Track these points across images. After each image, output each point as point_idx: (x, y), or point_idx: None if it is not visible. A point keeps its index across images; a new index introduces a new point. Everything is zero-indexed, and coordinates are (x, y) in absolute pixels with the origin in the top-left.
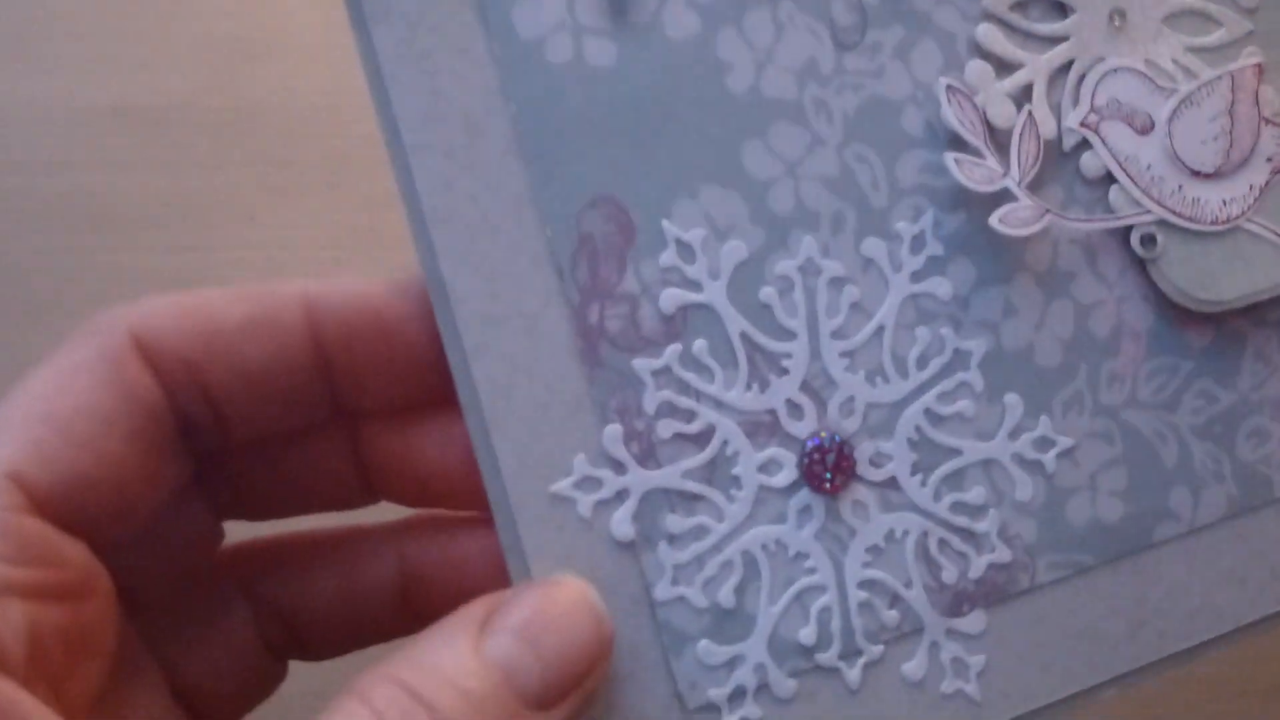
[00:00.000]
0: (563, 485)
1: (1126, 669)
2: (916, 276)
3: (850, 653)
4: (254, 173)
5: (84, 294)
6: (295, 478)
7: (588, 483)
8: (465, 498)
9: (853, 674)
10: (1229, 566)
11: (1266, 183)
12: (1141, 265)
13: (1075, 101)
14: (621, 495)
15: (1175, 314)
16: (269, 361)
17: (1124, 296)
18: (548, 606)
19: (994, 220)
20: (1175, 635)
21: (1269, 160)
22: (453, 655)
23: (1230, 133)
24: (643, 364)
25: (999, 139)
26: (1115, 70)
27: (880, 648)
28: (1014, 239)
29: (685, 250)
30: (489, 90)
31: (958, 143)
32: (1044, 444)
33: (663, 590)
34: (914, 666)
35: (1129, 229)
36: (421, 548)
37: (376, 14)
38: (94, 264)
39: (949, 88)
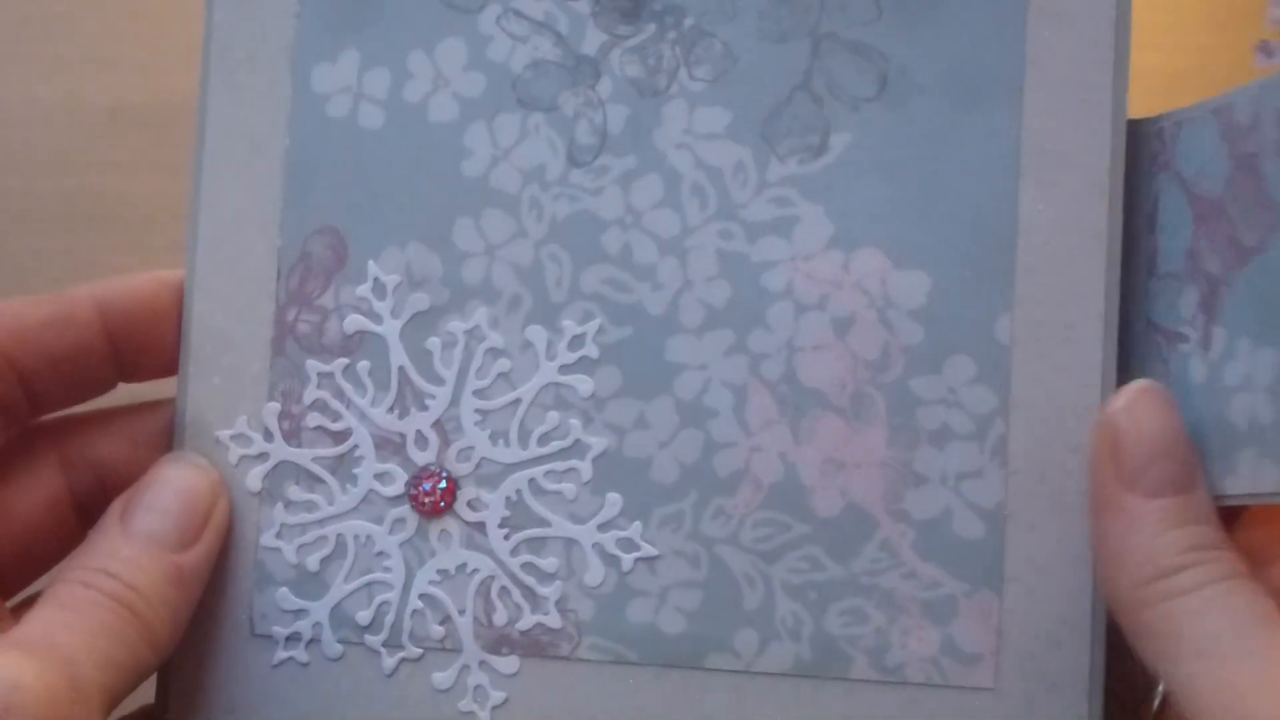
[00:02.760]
0: (224, 434)
1: None
2: (565, 369)
3: (393, 644)
4: None
5: None
6: None
7: (241, 438)
8: None
9: (389, 661)
10: (773, 715)
11: None
12: (789, 425)
13: None
14: (263, 456)
15: (811, 481)
16: (70, 350)
17: (758, 448)
18: (157, 477)
19: None
20: None
21: None
22: (107, 541)
23: None
24: (314, 365)
25: None
26: None
27: (420, 651)
28: (669, 368)
29: (379, 288)
30: (277, 122)
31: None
32: (628, 545)
33: (267, 539)
34: (443, 678)
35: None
36: None
37: (220, 45)
38: (93, 264)
39: None
